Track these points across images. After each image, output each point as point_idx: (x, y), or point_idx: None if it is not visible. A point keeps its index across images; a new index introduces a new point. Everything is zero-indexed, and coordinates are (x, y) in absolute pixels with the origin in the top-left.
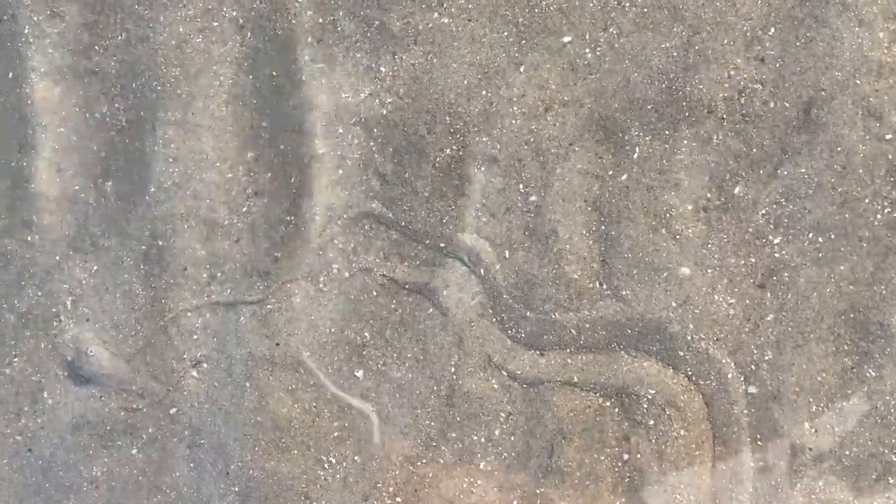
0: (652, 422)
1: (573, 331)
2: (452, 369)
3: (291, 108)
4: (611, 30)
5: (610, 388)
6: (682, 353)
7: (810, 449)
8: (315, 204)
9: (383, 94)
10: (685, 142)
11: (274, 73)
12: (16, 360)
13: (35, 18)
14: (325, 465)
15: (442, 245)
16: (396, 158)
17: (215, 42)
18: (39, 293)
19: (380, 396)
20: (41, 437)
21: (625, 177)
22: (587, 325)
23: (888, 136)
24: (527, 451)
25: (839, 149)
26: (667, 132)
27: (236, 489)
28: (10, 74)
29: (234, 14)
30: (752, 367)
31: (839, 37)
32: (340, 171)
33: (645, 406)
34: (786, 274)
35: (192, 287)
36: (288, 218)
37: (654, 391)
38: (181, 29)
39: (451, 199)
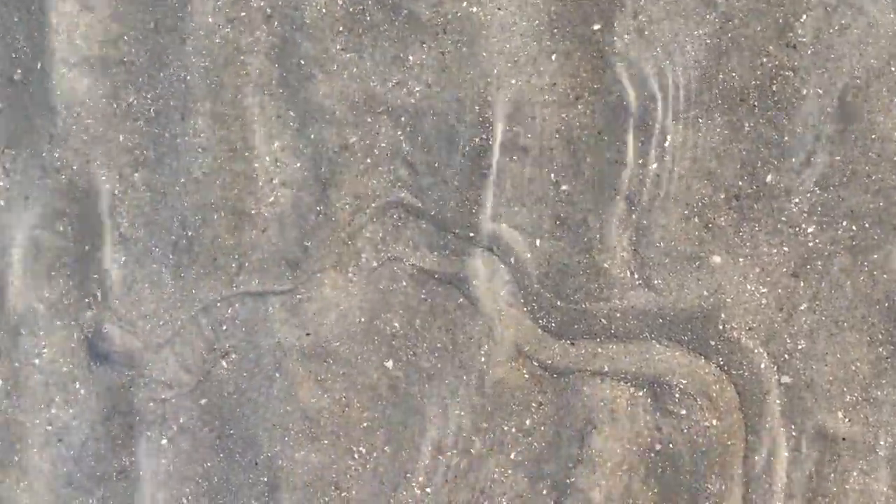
0: (684, 411)
1: (604, 320)
2: (482, 359)
3: (320, 98)
4: (641, 17)
5: (641, 377)
6: (714, 343)
7: (844, 439)
8: (344, 193)
9: (412, 83)
10: (717, 130)
11: (302, 63)
12: (45, 350)
13: (63, 9)
14: (355, 455)
15: (471, 234)
16: (426, 148)
17: (243, 32)
18: (70, 283)
19: (409, 386)
20: (72, 427)
21: (656, 165)
22: (618, 315)
23: None
24: (557, 441)
25: (873, 136)
26: (699, 120)
27: (266, 479)
28: (39, 65)
29: (262, 4)
30: (786, 356)
31: (874, 24)
32: (369, 161)
33: (676, 396)
34: (819, 262)
35: (222, 277)
36: (317, 208)
37: (685, 381)
38: (209, 19)
39: (481, 189)
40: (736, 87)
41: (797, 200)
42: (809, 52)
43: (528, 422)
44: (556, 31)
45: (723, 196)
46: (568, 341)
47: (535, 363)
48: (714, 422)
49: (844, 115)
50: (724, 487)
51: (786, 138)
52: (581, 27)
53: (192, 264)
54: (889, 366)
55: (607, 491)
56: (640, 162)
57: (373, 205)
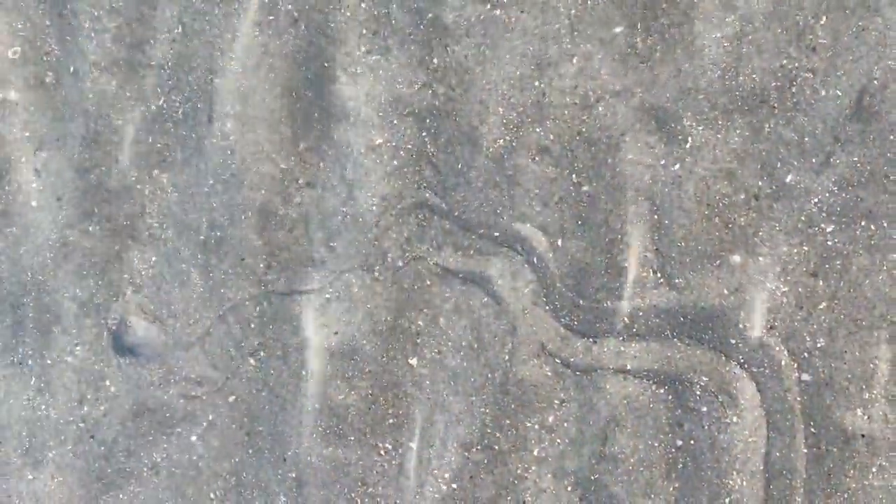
0: (705, 409)
1: (626, 319)
2: (506, 357)
3: (346, 100)
4: (662, 20)
5: (663, 375)
6: (734, 341)
7: (863, 435)
8: (370, 194)
9: (436, 86)
10: (737, 131)
11: (327, 65)
12: (78, 348)
13: (94, 13)
14: (381, 452)
15: (495, 234)
16: (449, 149)
17: (270, 35)
18: (100, 283)
19: (435, 384)
20: (103, 423)
21: (677, 166)
22: (640, 314)
23: None
24: (580, 438)
25: (892, 137)
26: (719, 122)
27: (293, 475)
28: (72, 69)
29: (289, 7)
30: (805, 354)
31: (891, 25)
32: (395, 162)
33: (698, 393)
34: (838, 262)
35: (249, 276)
36: (343, 209)
37: (706, 378)
38: (236, 22)
39: (504, 189)
40: (756, 89)
41: (816, 200)
42: (829, 54)
43: (551, 419)
44: (576, 33)
45: (743, 196)
46: (590, 339)
47: (558, 361)
48: (735, 419)
49: (863, 116)
50: (744, 483)
51: (805, 139)
52: (602, 30)
53: (220, 264)
54: None
55: (630, 486)
56: (662, 163)
57: (398, 205)
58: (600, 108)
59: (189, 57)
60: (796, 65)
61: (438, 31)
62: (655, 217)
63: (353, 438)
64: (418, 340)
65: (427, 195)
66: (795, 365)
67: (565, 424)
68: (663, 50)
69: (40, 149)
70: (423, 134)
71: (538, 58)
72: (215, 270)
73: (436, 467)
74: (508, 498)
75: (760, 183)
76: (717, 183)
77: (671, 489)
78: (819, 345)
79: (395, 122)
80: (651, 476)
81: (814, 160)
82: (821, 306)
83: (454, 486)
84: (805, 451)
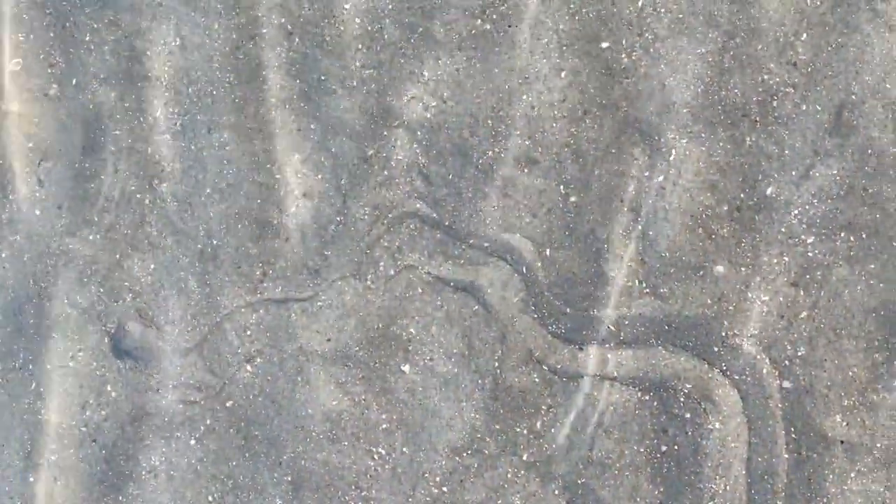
0: (688, 415)
1: (612, 327)
2: (496, 364)
3: (340, 112)
4: (647, 35)
5: (648, 382)
6: (717, 349)
7: (842, 442)
8: (362, 204)
9: (427, 98)
10: (720, 144)
11: (322, 78)
12: (80, 353)
13: (94, 25)
14: (375, 456)
15: (485, 244)
16: (440, 160)
17: (265, 48)
18: (101, 290)
19: (426, 390)
20: (104, 428)
21: (661, 178)
22: (625, 322)
23: None
24: (568, 443)
25: (870, 151)
26: (702, 135)
27: (289, 479)
28: (74, 81)
29: (283, 21)
30: (786, 362)
31: (870, 42)
32: (386, 173)
33: (682, 400)
34: (818, 272)
35: (246, 284)
36: (337, 218)
37: (690, 385)
38: (233, 35)
39: (494, 200)
40: (738, 103)
41: (796, 212)
42: (809, 70)
43: (539, 424)
44: (564, 48)
45: (725, 208)
46: (577, 347)
47: (546, 368)
48: (717, 425)
49: (842, 131)
50: (727, 488)
51: (786, 152)
52: (589, 45)
53: (217, 272)
54: (885, 371)
55: (616, 491)
56: (647, 175)
57: (390, 215)
58: (587, 121)
59: (187, 69)
60: (777, 80)
61: (430, 45)
62: (640, 228)
63: (346, 443)
64: (410, 347)
65: (418, 205)
66: (776, 372)
67: (553, 430)
68: (648, 65)
69: (44, 159)
70: (415, 146)
71: (527, 72)
72: (212, 278)
73: (427, 471)
74: (498, 502)
75: (742, 195)
76: (701, 194)
77: (656, 493)
78: (800, 353)
79: (387, 133)
80: (636, 480)
81: (794, 173)
82: (801, 316)
83: (444, 489)
84: (786, 456)
